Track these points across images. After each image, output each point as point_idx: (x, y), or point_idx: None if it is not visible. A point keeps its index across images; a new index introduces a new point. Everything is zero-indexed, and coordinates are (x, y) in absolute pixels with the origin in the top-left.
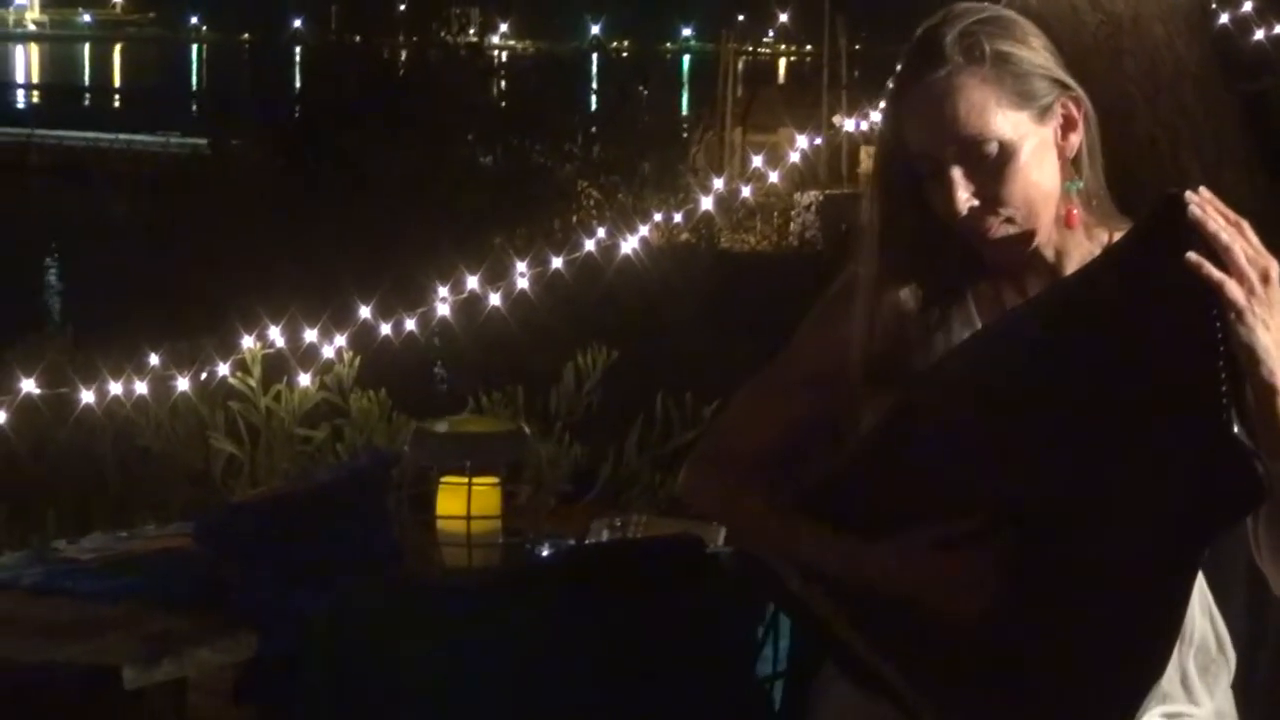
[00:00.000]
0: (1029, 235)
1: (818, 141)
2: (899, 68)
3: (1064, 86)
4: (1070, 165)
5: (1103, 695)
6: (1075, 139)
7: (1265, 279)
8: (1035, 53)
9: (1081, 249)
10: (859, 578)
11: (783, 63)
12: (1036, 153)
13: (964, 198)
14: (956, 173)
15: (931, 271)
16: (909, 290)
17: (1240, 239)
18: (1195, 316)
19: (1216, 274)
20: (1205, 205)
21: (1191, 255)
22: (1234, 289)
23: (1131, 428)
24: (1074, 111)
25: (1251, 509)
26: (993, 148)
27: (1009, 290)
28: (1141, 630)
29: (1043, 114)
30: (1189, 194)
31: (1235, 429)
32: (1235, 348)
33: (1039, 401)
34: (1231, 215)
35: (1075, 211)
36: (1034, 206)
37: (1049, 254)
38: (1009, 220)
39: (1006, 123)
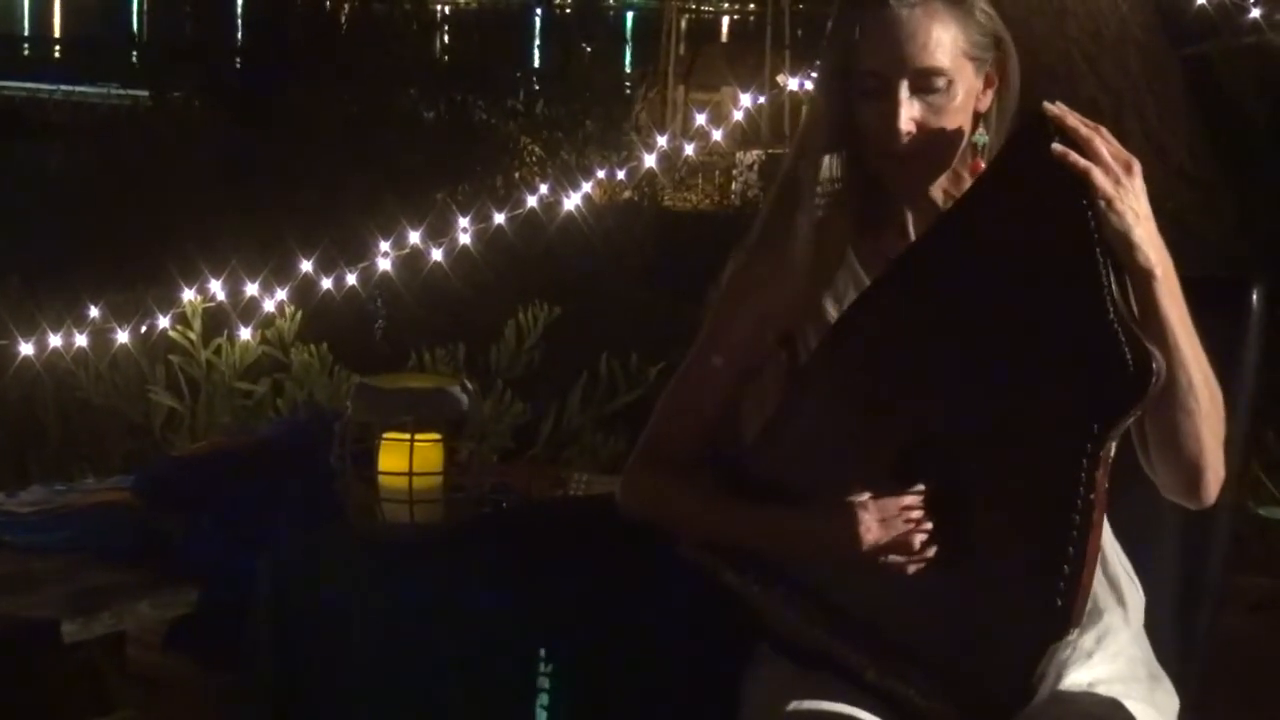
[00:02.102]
0: (939, 168)
1: (761, 100)
2: None
3: (999, 48)
4: (980, 120)
5: (1028, 620)
6: (989, 96)
7: (1129, 170)
8: (989, 10)
9: None
10: (785, 550)
11: (726, 21)
12: (965, 100)
13: (906, 117)
14: (905, 95)
15: (835, 211)
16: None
17: (1099, 136)
18: (1069, 211)
19: (1083, 162)
20: (1063, 108)
21: (1057, 145)
22: (1100, 177)
23: (1025, 337)
24: (994, 73)
25: (1144, 392)
26: (941, 83)
27: (892, 236)
28: (1057, 539)
29: (979, 67)
30: (1046, 103)
31: (1122, 314)
32: (1110, 236)
33: (937, 338)
34: (1089, 122)
35: (981, 164)
36: (950, 147)
37: (937, 196)
38: (926, 154)
39: (958, 64)
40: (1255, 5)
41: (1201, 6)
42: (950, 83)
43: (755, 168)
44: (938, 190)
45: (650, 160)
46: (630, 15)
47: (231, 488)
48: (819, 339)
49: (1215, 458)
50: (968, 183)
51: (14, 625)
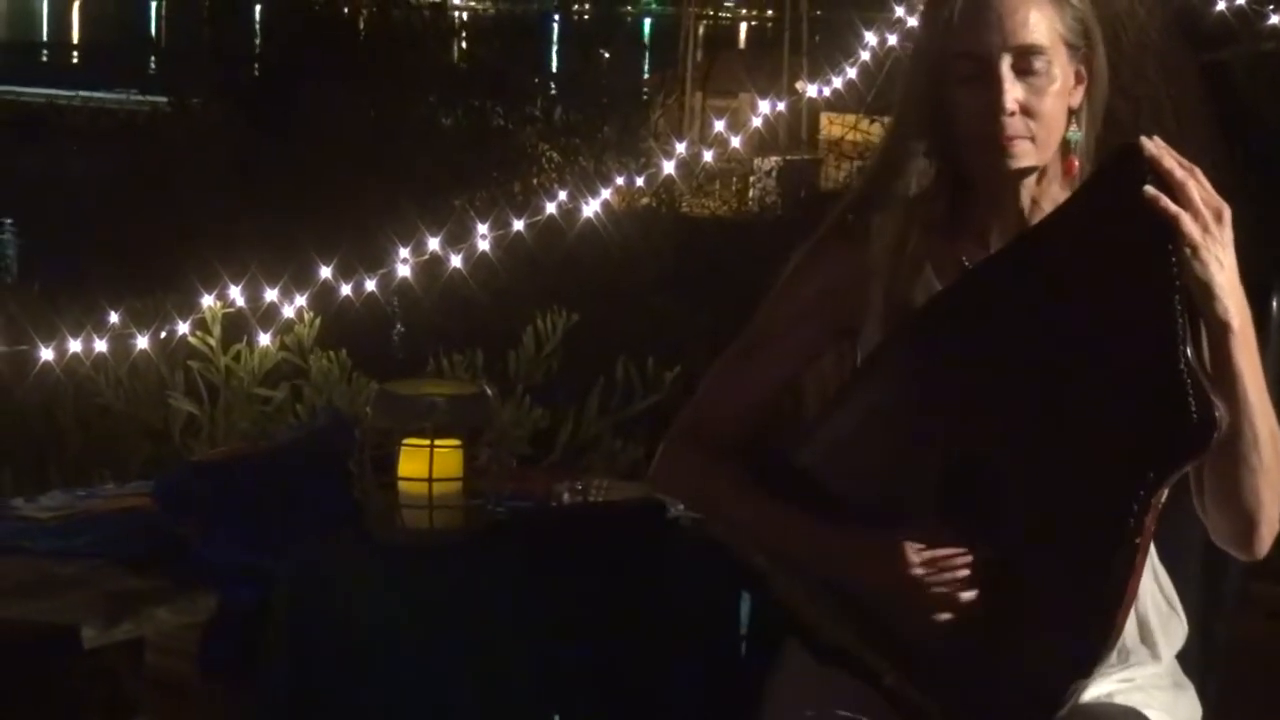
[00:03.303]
0: (1038, 156)
1: (779, 107)
2: None
3: (1088, 40)
4: (1073, 117)
5: (1058, 655)
6: (1079, 93)
7: (1219, 218)
8: (1085, 7)
9: (1054, 205)
10: (823, 567)
11: (743, 27)
12: (1062, 87)
13: (1012, 96)
14: (1008, 73)
15: (915, 210)
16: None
17: (1193, 179)
18: (1153, 254)
19: (1173, 207)
20: (1161, 145)
21: (1149, 188)
22: (1189, 223)
23: (1090, 374)
24: (1084, 69)
25: (1205, 445)
26: (1042, 64)
27: (970, 243)
28: (1097, 579)
29: (1073, 55)
30: (1144, 138)
31: (1191, 364)
32: (1191, 283)
33: (998, 360)
34: (1186, 162)
35: (1076, 162)
36: (1051, 134)
37: (1025, 201)
38: (1031, 138)
39: (1055, 46)
40: (1275, 11)
41: (1221, 13)
42: (1049, 63)
43: (773, 174)
44: (1026, 194)
45: (668, 167)
46: (648, 21)
47: (250, 494)
48: (879, 339)
49: (1272, 513)
50: (1056, 187)
51: (34, 630)
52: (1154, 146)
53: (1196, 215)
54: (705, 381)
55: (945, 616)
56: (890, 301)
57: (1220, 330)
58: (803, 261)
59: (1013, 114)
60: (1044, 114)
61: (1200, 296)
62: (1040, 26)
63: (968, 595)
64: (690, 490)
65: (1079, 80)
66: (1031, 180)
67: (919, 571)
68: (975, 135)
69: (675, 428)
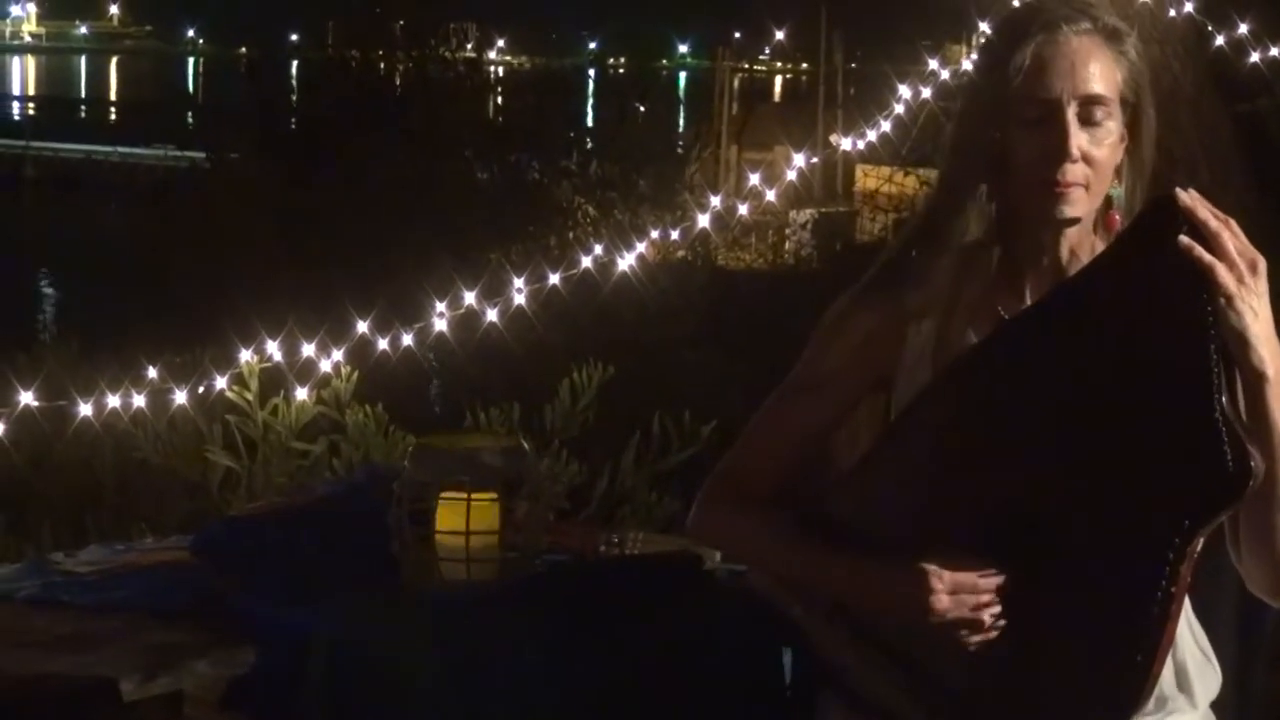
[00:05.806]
0: (1088, 204)
1: (814, 160)
2: (1022, 14)
3: (1139, 100)
4: (1115, 173)
5: (1094, 704)
6: (1122, 149)
7: (1254, 269)
8: (1141, 50)
9: (1091, 256)
10: (854, 599)
11: (779, 80)
12: (1117, 140)
13: (1076, 143)
14: (1073, 120)
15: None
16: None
17: (1228, 230)
18: (1188, 303)
19: (1207, 257)
20: (1196, 197)
21: (1184, 238)
22: (1224, 273)
23: (1126, 423)
24: (1131, 125)
25: (1240, 494)
26: (1101, 114)
27: (1006, 294)
28: (1134, 627)
29: (1124, 110)
30: (1179, 190)
31: (1226, 413)
32: (1226, 333)
33: (1036, 409)
34: (1220, 214)
35: (1116, 217)
36: (1102, 185)
37: (1063, 252)
38: (1085, 186)
39: (1114, 99)
40: None
41: (1254, 64)
42: (1109, 115)
43: (808, 226)
44: (1066, 244)
45: (704, 220)
46: (683, 75)
47: (288, 547)
48: (916, 389)
49: None
50: (1095, 240)
51: (73, 684)
52: (1188, 198)
53: (1231, 266)
54: (746, 429)
55: (976, 643)
56: (941, 348)
57: (1256, 380)
58: (843, 310)
59: (1075, 161)
60: (1100, 163)
61: (1235, 346)
62: (1112, 79)
63: (997, 622)
64: (725, 535)
65: (1123, 136)
66: (1073, 231)
67: (945, 600)
68: (1034, 179)
69: (713, 475)
